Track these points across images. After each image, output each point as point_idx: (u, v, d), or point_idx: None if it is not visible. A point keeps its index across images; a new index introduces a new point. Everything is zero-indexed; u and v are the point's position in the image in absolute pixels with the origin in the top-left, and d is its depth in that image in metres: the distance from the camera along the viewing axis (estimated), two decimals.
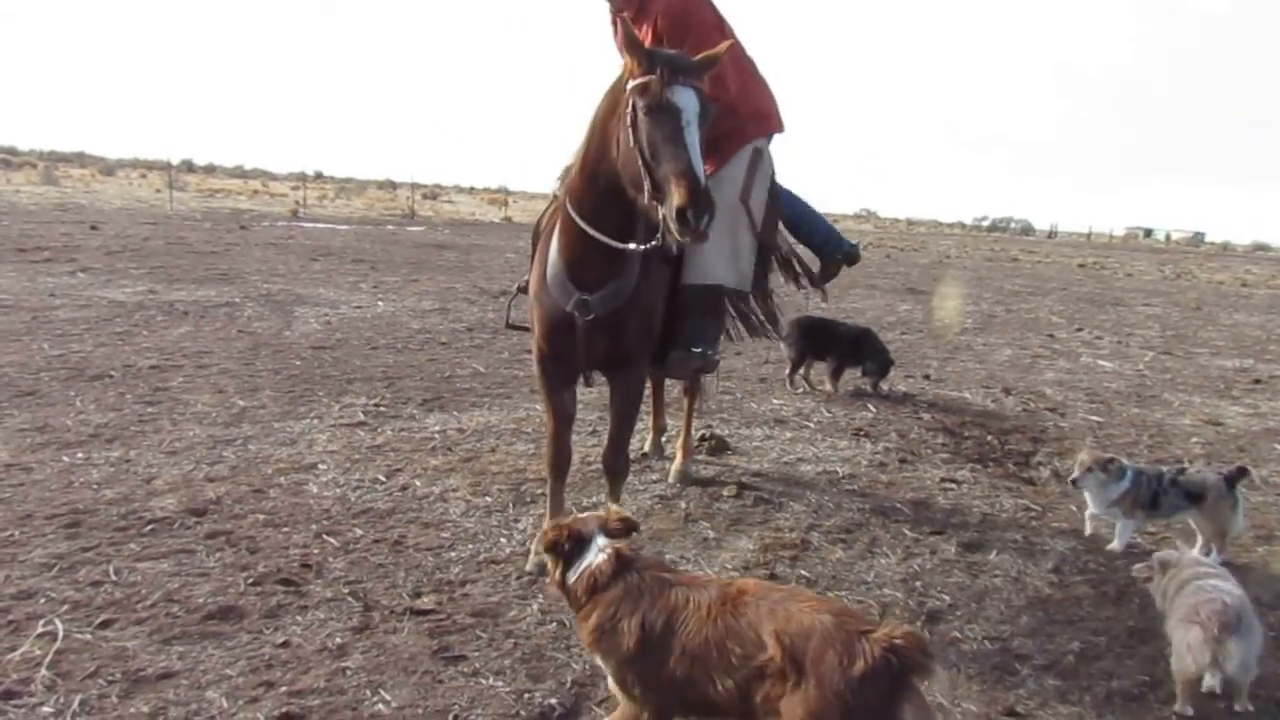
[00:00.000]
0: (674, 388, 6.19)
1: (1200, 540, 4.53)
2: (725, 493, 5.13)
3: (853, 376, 8.20)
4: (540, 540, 2.70)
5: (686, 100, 3.24)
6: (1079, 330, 13.61)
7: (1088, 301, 18.76)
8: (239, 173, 71.73)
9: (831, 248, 5.02)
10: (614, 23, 4.42)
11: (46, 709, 2.78)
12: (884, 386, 8.10)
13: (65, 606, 3.37)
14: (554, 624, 3.50)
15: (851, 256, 5.04)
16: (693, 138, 3.20)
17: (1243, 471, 4.54)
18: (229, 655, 3.15)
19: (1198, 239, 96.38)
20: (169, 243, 17.51)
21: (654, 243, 3.56)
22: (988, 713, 3.12)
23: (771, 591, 2.45)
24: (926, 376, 9.05)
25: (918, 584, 4.10)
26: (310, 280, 13.47)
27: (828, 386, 8.07)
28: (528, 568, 3.94)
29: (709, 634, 2.38)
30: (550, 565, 2.69)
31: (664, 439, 5.88)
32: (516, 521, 4.52)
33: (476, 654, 3.26)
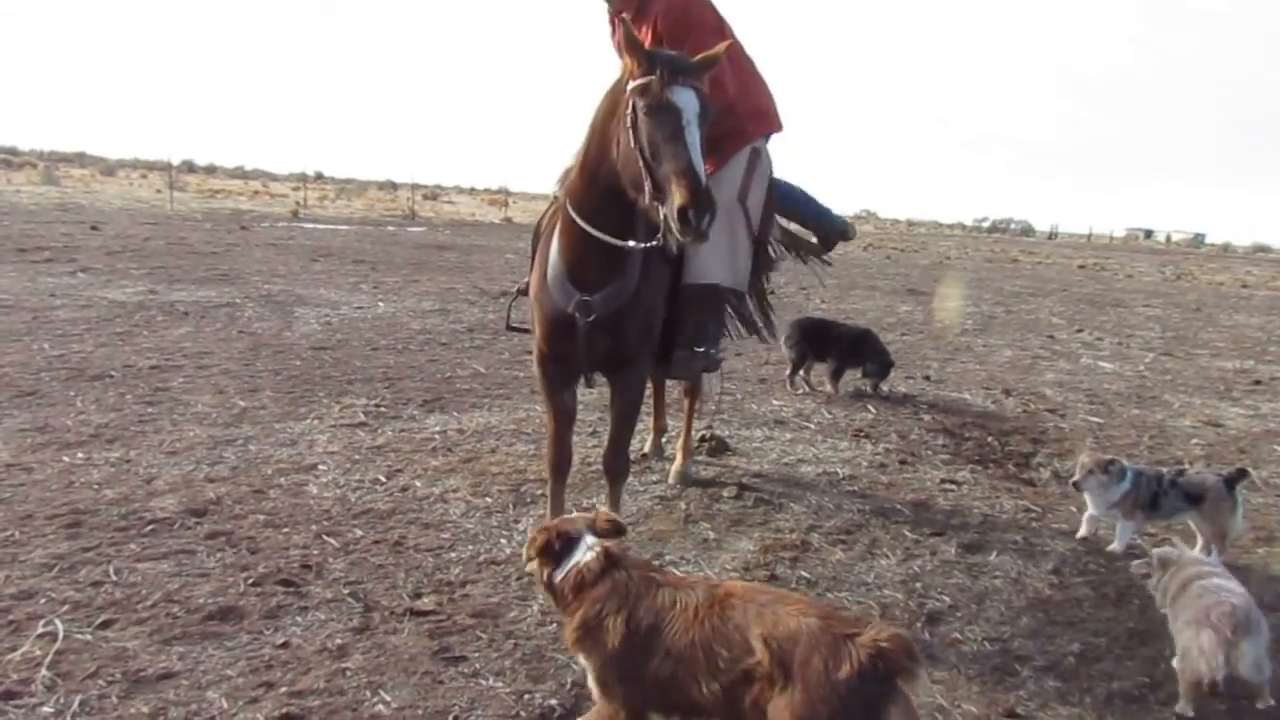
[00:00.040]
0: (674, 389, 6.19)
1: (1200, 541, 4.53)
2: (725, 494, 5.13)
3: (853, 378, 8.20)
4: (529, 545, 2.67)
5: (686, 100, 3.24)
6: (1079, 331, 13.61)
7: (1088, 303, 18.76)
8: (239, 173, 71.77)
9: (825, 228, 5.06)
10: (612, 23, 4.43)
11: (47, 709, 2.78)
12: (884, 388, 8.10)
13: (65, 607, 3.37)
14: (554, 625, 3.49)
15: (845, 233, 5.10)
16: (693, 137, 3.21)
17: (1242, 473, 4.54)
18: (229, 656, 3.15)
19: (1198, 240, 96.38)
20: (169, 243, 17.52)
21: (655, 242, 3.56)
22: (988, 714, 3.12)
23: (759, 594, 2.44)
24: (927, 377, 9.05)
25: (918, 585, 4.10)
26: (311, 281, 13.47)
27: (828, 388, 8.07)
28: (527, 569, 3.94)
29: (695, 636, 2.37)
30: (538, 566, 2.68)
31: (664, 440, 5.88)
32: (517, 522, 4.52)
33: (477, 655, 3.26)
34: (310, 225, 27.10)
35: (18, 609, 3.34)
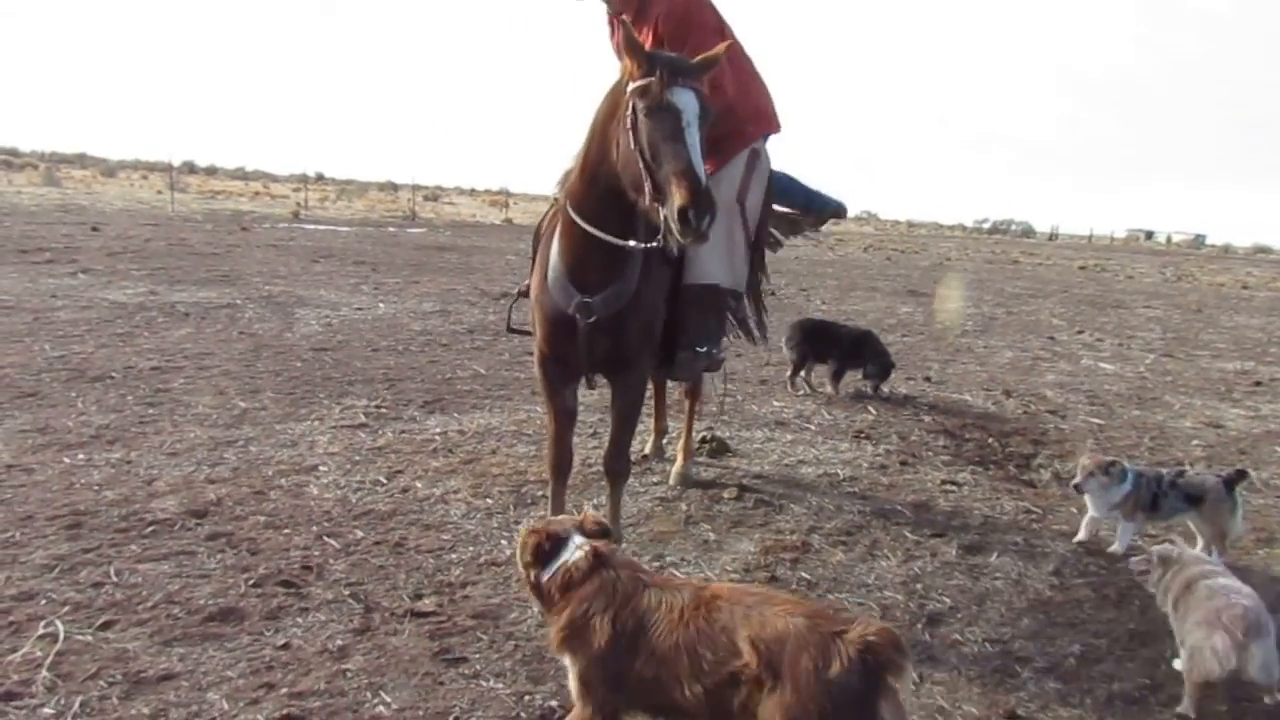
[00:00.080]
0: (674, 390, 6.19)
1: (1200, 542, 4.53)
2: (726, 495, 5.13)
3: (853, 379, 8.20)
4: (520, 546, 2.66)
5: (686, 101, 3.25)
6: (1080, 333, 13.61)
7: (1089, 304, 18.76)
8: (240, 174, 71.80)
9: (817, 209, 5.07)
10: (611, 24, 4.43)
11: (47, 710, 2.78)
12: (885, 389, 8.10)
13: (66, 608, 3.38)
14: None
15: (838, 212, 5.10)
16: (693, 138, 3.21)
17: (1241, 474, 4.54)
18: (230, 657, 3.15)
19: (1198, 241, 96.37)
20: (170, 244, 17.53)
21: (655, 243, 3.56)
22: (988, 715, 3.12)
23: (746, 596, 2.43)
24: (927, 379, 9.05)
25: (918, 586, 4.10)
26: (311, 282, 13.48)
27: (829, 389, 8.07)
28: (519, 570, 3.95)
29: (680, 637, 2.37)
30: (525, 567, 2.66)
31: (664, 441, 5.88)
32: (517, 524, 4.51)
33: (477, 656, 3.26)
34: (311, 226, 27.12)
35: (18, 610, 3.34)
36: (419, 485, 4.97)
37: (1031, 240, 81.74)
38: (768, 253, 5.07)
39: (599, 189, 3.60)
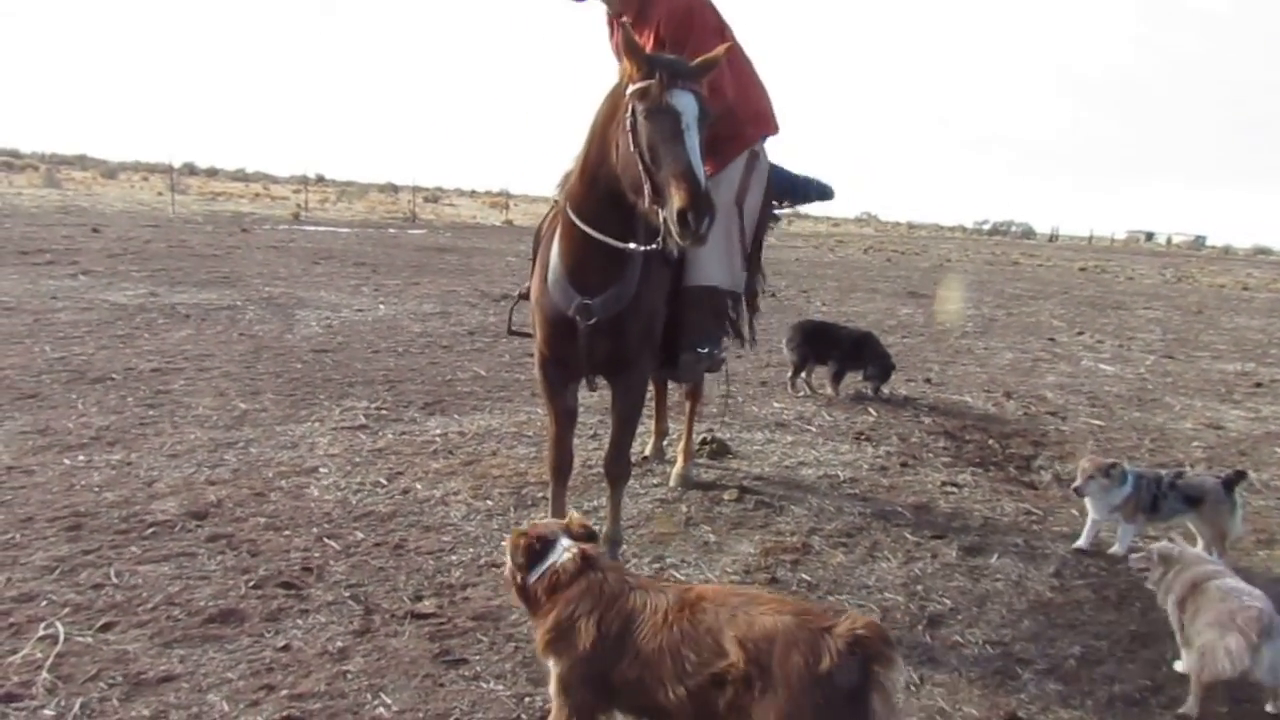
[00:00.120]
0: (674, 392, 6.19)
1: (1200, 543, 4.53)
2: (726, 496, 5.13)
3: (854, 380, 8.20)
4: (510, 549, 2.64)
5: (686, 104, 3.25)
6: (1080, 334, 13.61)
7: (1089, 305, 18.76)
8: (240, 176, 71.80)
9: (800, 193, 5.07)
10: (611, 26, 4.43)
11: (47, 712, 2.78)
12: (885, 390, 8.10)
13: (66, 609, 3.38)
14: None
15: (824, 193, 5.10)
16: (692, 141, 3.21)
17: (1240, 475, 4.54)
18: (230, 658, 3.15)
19: (1199, 242, 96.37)
20: (170, 246, 17.53)
21: (654, 245, 3.56)
22: (989, 717, 3.12)
23: (731, 597, 2.43)
24: (928, 380, 9.05)
25: (919, 588, 4.10)
26: (311, 283, 13.48)
27: (829, 390, 8.07)
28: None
29: (663, 639, 2.36)
30: (511, 570, 2.65)
31: (665, 443, 5.87)
32: (518, 525, 4.51)
33: (477, 657, 3.26)
34: (311, 228, 27.13)
35: (18, 612, 3.34)
36: (419, 487, 4.97)
37: (1031, 241, 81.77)
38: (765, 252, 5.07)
39: (599, 191, 3.60)
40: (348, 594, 3.67)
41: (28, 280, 11.52)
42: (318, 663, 3.16)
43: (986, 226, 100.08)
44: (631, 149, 3.29)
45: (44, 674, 2.95)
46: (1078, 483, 4.58)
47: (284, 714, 2.84)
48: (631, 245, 3.64)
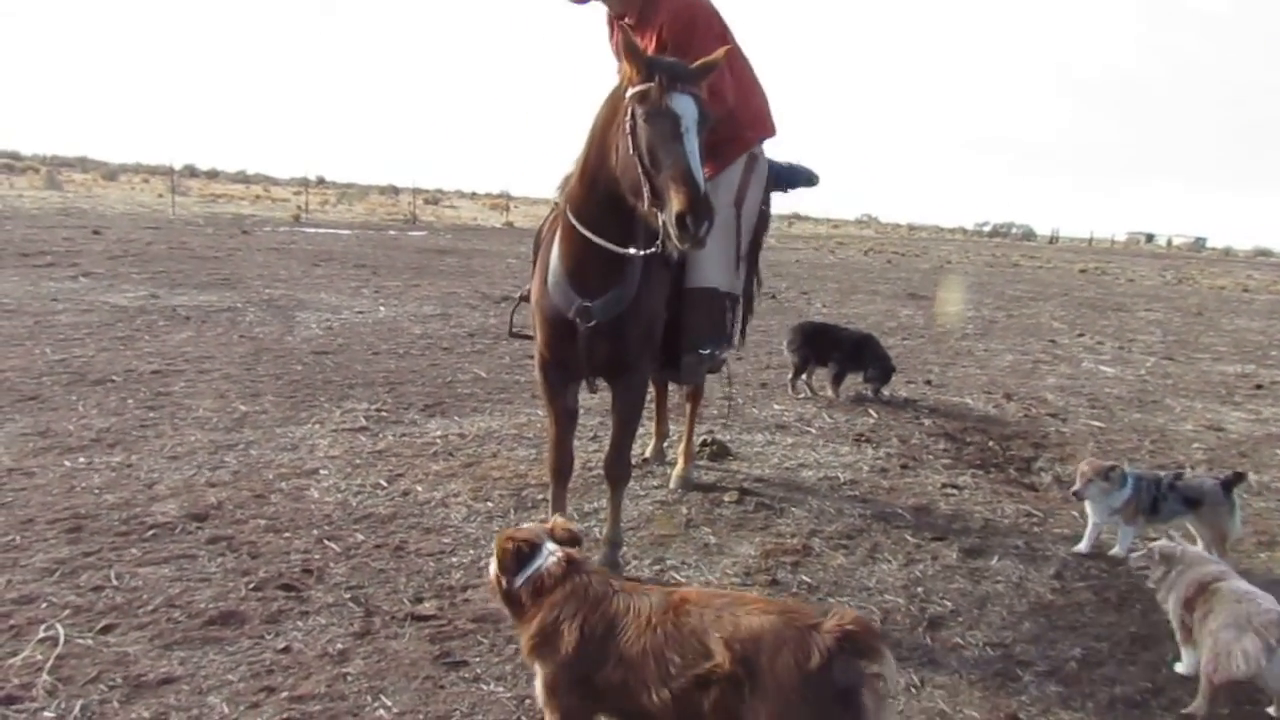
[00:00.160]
0: (674, 394, 6.19)
1: (1200, 544, 4.53)
2: (726, 498, 5.13)
3: (854, 382, 8.19)
4: (498, 553, 2.62)
5: (685, 107, 3.25)
6: (1080, 335, 13.61)
7: (1089, 307, 18.76)
8: (241, 178, 71.87)
9: (788, 181, 5.08)
10: (611, 26, 4.44)
11: (48, 714, 2.78)
12: (885, 392, 8.10)
13: (66, 611, 3.38)
14: None
15: (810, 180, 5.11)
16: (692, 144, 3.21)
17: (1239, 476, 4.54)
18: (230, 661, 3.15)
19: (1199, 244, 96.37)
20: (171, 248, 17.55)
21: (654, 249, 3.56)
22: (990, 719, 3.12)
23: (714, 599, 2.43)
24: (928, 382, 9.05)
25: (919, 590, 4.10)
26: (312, 285, 13.49)
27: (829, 392, 8.06)
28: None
29: (647, 642, 2.36)
30: (496, 574, 2.63)
31: (665, 444, 5.87)
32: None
33: (478, 659, 3.26)
34: (311, 230, 27.14)
35: (19, 614, 3.34)
36: (419, 489, 4.97)
37: (1032, 243, 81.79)
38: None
39: (598, 194, 3.60)
40: (348, 596, 3.67)
41: (28, 282, 11.53)
42: (318, 665, 3.16)
43: (987, 228, 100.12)
44: (631, 152, 3.30)
45: (44, 676, 2.95)
46: (1076, 486, 4.59)
47: (284, 716, 2.84)
48: (631, 250, 3.64)
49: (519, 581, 2.57)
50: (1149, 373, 10.52)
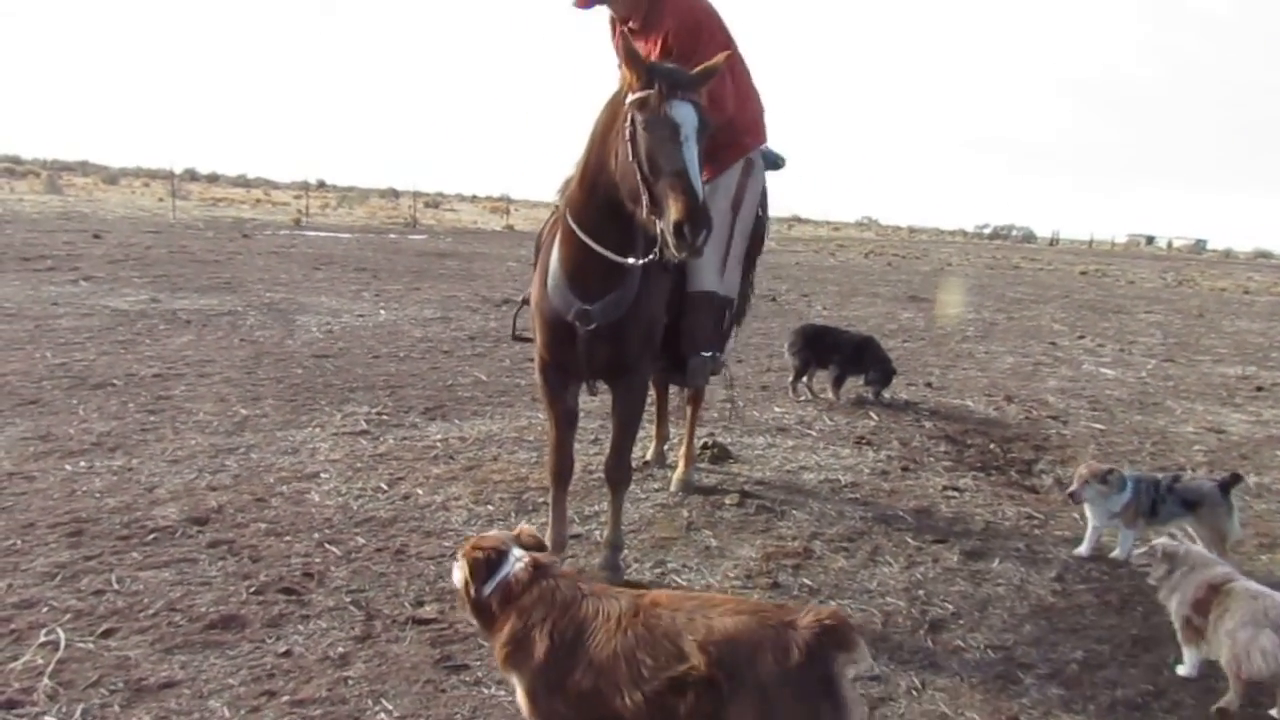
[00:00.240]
0: (674, 396, 6.19)
1: (1199, 545, 4.53)
2: (727, 501, 5.12)
3: (855, 384, 8.20)
4: (466, 562, 2.58)
5: (685, 115, 3.25)
6: (1081, 338, 13.61)
7: (1090, 309, 18.76)
8: (241, 181, 71.91)
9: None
10: (613, 27, 4.44)
11: (49, 719, 2.78)
12: (886, 395, 8.10)
13: (67, 615, 3.37)
14: None
15: (775, 164, 5.11)
16: (691, 153, 3.21)
17: (1236, 478, 4.55)
18: (231, 664, 3.14)
19: (1199, 246, 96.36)
20: (171, 251, 17.56)
21: (652, 256, 3.57)
22: None
23: (685, 601, 2.42)
24: (929, 384, 9.05)
25: (920, 592, 4.10)
26: (312, 289, 13.50)
27: (830, 395, 8.06)
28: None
29: (617, 645, 2.34)
30: (465, 583, 2.59)
31: (665, 447, 5.87)
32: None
33: (478, 663, 3.26)
34: (312, 233, 27.17)
35: (20, 618, 3.34)
36: (420, 492, 4.97)
37: (1032, 245, 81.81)
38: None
39: (598, 199, 3.60)
40: (349, 599, 3.67)
41: (29, 286, 11.54)
42: (319, 668, 3.16)
43: (987, 230, 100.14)
44: (630, 159, 3.30)
45: (45, 680, 2.95)
46: (1073, 488, 4.59)
47: None
48: (630, 260, 3.65)
49: (488, 590, 2.54)
50: (1150, 375, 10.52)
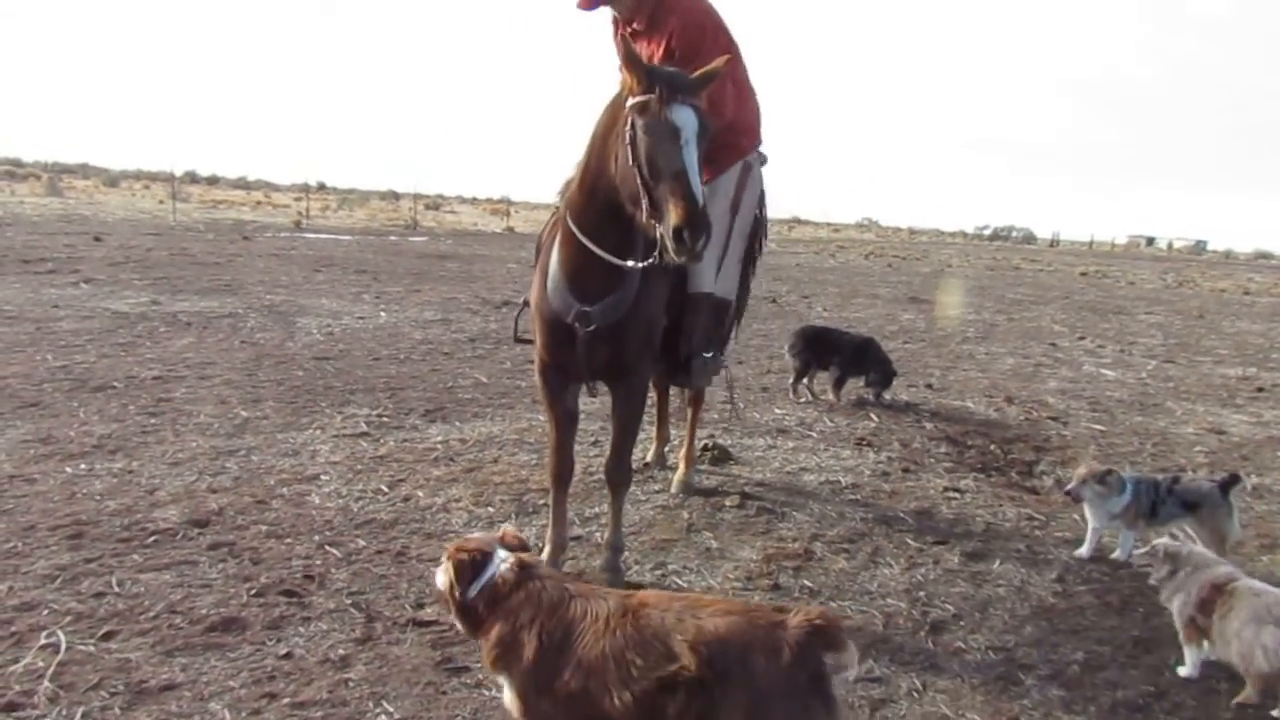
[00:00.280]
0: (674, 398, 6.19)
1: (1199, 545, 4.54)
2: (728, 503, 5.12)
3: (855, 386, 8.20)
4: (450, 566, 2.57)
5: (685, 119, 3.25)
6: (1081, 339, 13.61)
7: (1090, 310, 18.76)
8: (242, 184, 71.92)
9: None
10: (616, 27, 4.44)
11: None
12: (886, 396, 8.10)
13: (68, 618, 3.38)
14: None
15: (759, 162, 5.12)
16: (691, 157, 3.22)
17: (1235, 478, 4.56)
18: (232, 667, 3.14)
19: (1200, 247, 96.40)
20: (172, 254, 17.56)
21: (651, 260, 3.58)
22: None
23: (673, 602, 2.42)
24: (929, 385, 9.05)
25: (921, 594, 4.09)
26: (313, 291, 13.50)
27: (831, 396, 8.06)
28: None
29: (605, 646, 2.34)
30: (450, 586, 2.57)
31: (666, 449, 5.87)
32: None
33: (479, 665, 3.24)
34: (312, 235, 27.17)
35: (20, 620, 3.34)
36: (421, 494, 4.97)
37: (1032, 246, 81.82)
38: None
39: (598, 201, 3.61)
40: (349, 602, 3.67)
41: (30, 289, 11.55)
42: (319, 670, 3.15)
43: (987, 231, 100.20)
44: (630, 162, 3.30)
45: (46, 683, 2.95)
46: (1071, 485, 4.59)
47: None
48: (630, 263, 3.65)
49: (473, 592, 2.53)
50: (1150, 376, 10.52)
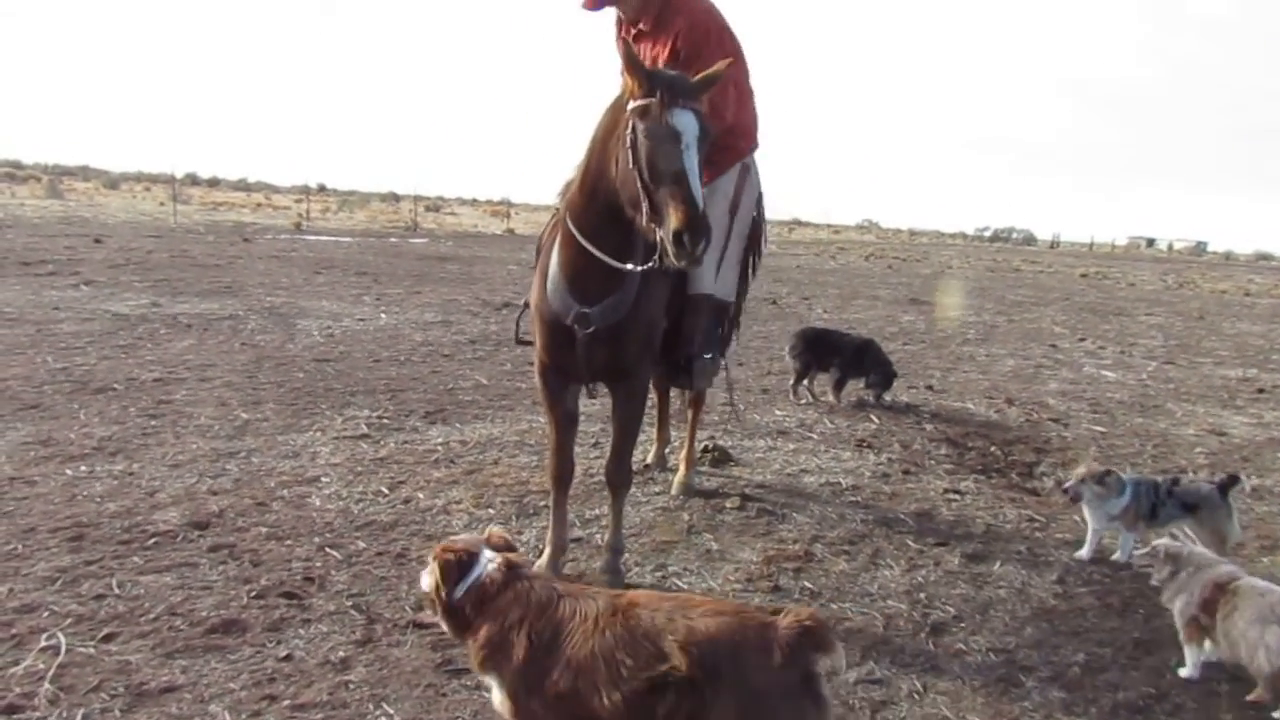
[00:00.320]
0: (675, 399, 6.19)
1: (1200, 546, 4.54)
2: (728, 504, 5.12)
3: (856, 387, 8.20)
4: (436, 567, 2.55)
5: (686, 123, 3.25)
6: (1082, 340, 13.61)
7: (1090, 311, 18.75)
8: (242, 186, 71.97)
9: None
10: (619, 27, 4.45)
11: None
12: (887, 397, 8.10)
13: (68, 620, 3.37)
14: None
15: None
16: (691, 161, 3.22)
17: (1234, 479, 4.57)
18: (232, 669, 3.14)
19: (1200, 248, 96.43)
20: (172, 256, 17.57)
21: (651, 264, 3.58)
22: None
23: (663, 601, 2.42)
24: (929, 387, 9.05)
25: (922, 596, 4.09)
26: (313, 293, 13.50)
27: (831, 397, 8.06)
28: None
29: (595, 646, 2.33)
30: (436, 587, 2.56)
31: (666, 450, 5.87)
32: (520, 534, 4.52)
33: None
34: (313, 237, 27.18)
35: (20, 622, 3.34)
36: (421, 496, 4.97)
37: (1033, 248, 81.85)
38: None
39: (598, 204, 3.61)
40: (350, 604, 3.67)
41: (30, 291, 11.55)
42: (320, 673, 3.15)
43: (988, 233, 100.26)
44: (631, 166, 3.30)
45: (46, 685, 2.95)
46: (1069, 483, 4.59)
47: None
48: (629, 266, 3.65)
49: (460, 592, 2.52)
50: (1150, 377, 10.52)
